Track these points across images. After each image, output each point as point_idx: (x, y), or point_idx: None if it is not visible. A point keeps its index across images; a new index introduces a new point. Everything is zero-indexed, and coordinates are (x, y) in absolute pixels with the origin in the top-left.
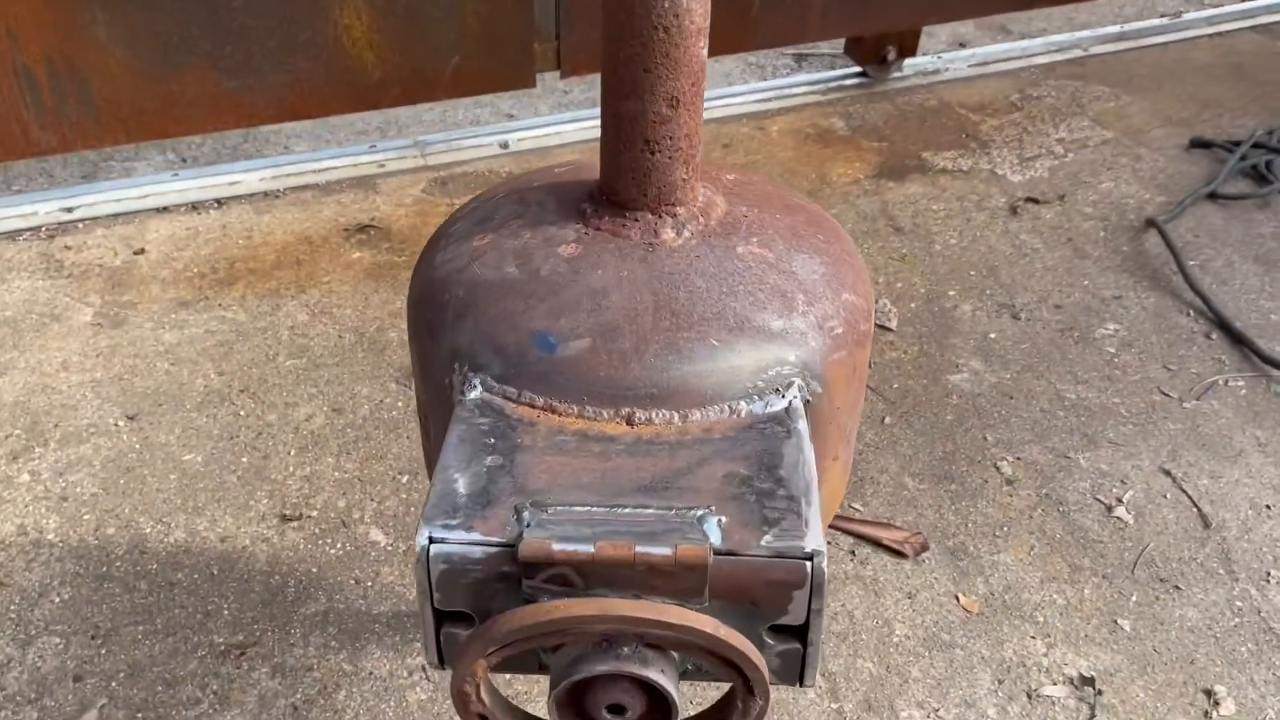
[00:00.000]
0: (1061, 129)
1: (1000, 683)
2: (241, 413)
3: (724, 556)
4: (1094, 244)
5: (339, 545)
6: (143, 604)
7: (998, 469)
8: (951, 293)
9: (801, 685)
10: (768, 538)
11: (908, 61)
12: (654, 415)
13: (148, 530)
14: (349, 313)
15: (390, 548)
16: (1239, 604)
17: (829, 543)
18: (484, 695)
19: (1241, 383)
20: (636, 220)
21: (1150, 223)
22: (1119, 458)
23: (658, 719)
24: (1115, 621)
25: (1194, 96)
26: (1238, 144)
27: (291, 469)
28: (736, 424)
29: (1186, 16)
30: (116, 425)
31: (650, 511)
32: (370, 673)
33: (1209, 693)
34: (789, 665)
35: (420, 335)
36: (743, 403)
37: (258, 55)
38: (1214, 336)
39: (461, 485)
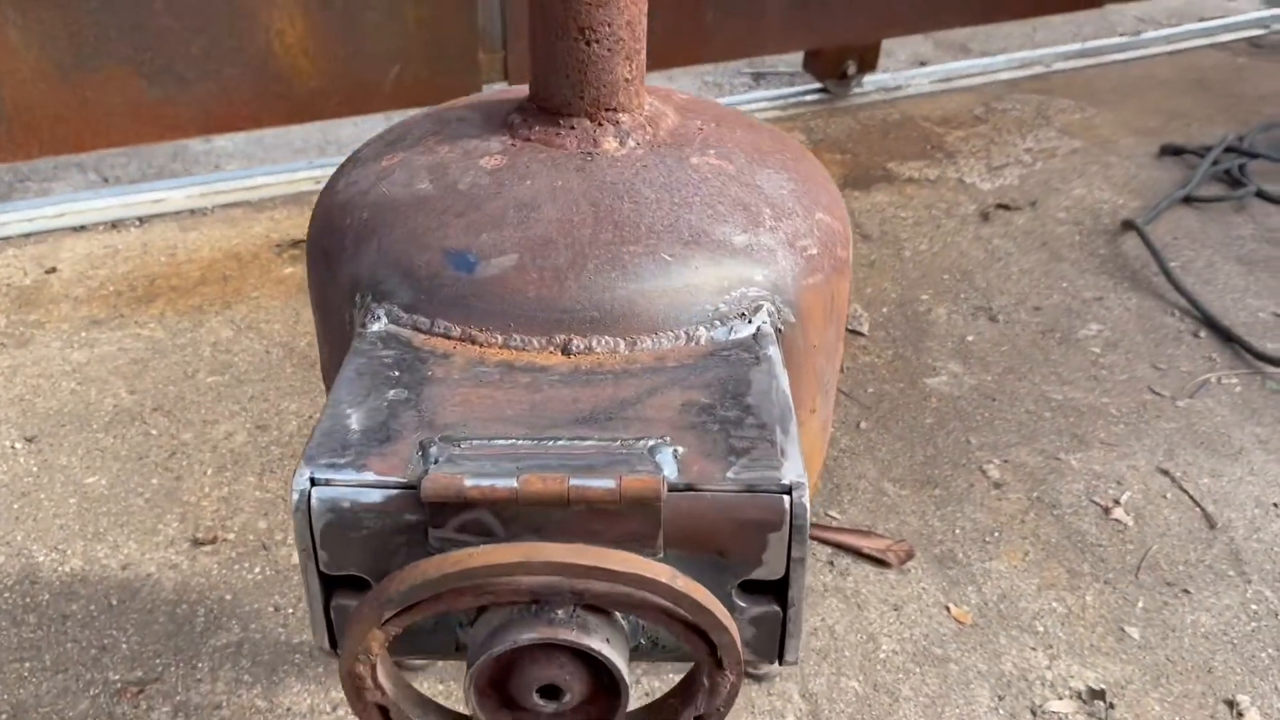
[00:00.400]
0: (1029, 139)
1: (1000, 699)
2: (154, 432)
3: (682, 492)
4: (1070, 247)
5: (258, 569)
6: (30, 639)
7: (984, 472)
8: (924, 297)
9: (781, 662)
10: (735, 469)
11: (868, 78)
12: (595, 343)
13: (41, 559)
14: (278, 328)
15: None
16: (1254, 607)
17: None
18: (382, 679)
19: (1235, 380)
20: (572, 128)
21: (1128, 224)
22: (1113, 458)
23: (603, 704)
24: (1122, 629)
25: (1160, 108)
26: (1208, 149)
27: (207, 490)
28: (694, 352)
29: (1145, 35)
30: (13, 448)
31: (589, 443)
32: (288, 709)
33: (1231, 703)
34: (766, 634)
35: (317, 271)
36: (702, 329)
37: (181, 61)
38: (1202, 335)
39: (355, 421)
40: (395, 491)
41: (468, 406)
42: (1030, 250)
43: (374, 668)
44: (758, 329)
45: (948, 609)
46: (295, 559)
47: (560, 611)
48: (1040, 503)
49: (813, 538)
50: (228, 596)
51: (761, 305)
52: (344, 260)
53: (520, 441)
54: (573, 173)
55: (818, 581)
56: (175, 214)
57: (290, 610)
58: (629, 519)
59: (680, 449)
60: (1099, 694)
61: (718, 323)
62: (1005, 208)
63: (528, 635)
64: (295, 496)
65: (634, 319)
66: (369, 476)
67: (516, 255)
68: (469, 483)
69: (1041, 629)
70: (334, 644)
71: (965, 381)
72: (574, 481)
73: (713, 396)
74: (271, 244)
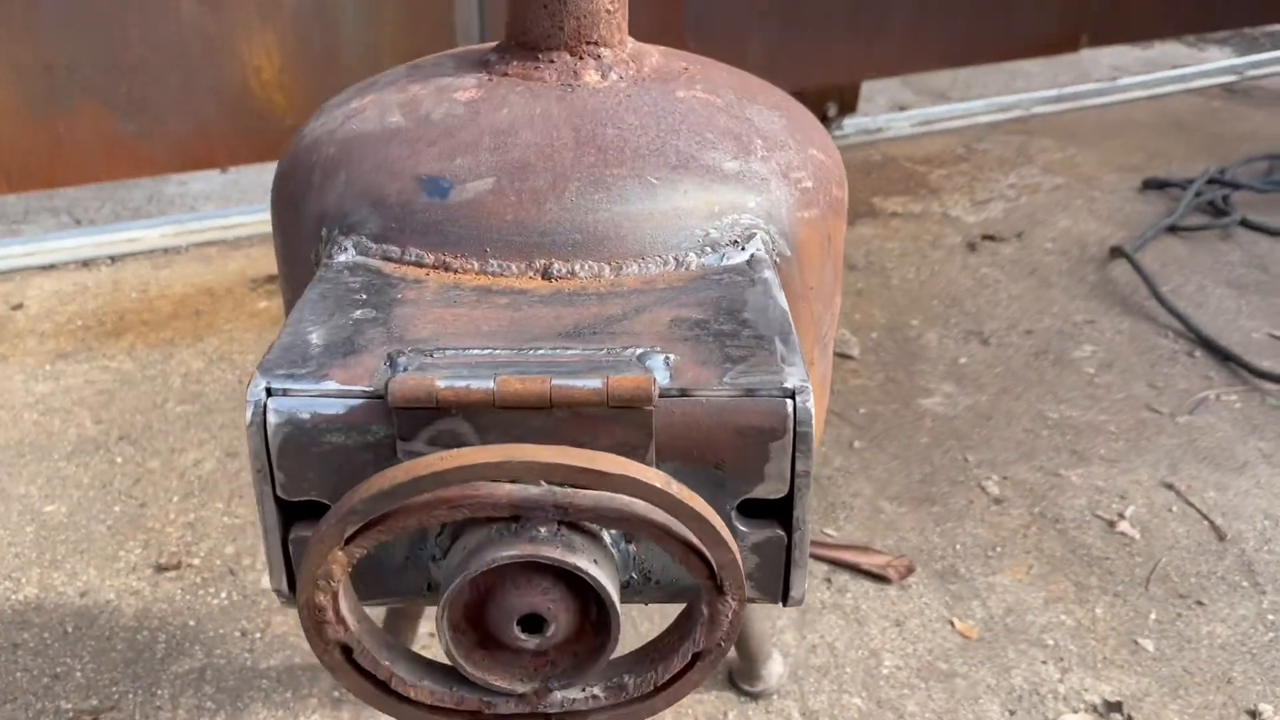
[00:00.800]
0: (1011, 176)
1: (1012, 713)
2: (118, 460)
3: (675, 398)
4: (1058, 275)
5: (223, 595)
6: None
7: (983, 489)
8: (914, 322)
9: (785, 600)
10: (732, 374)
11: (849, 120)
12: (577, 267)
13: None
14: (251, 359)
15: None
16: (1271, 617)
17: None
18: (344, 611)
19: (1234, 397)
20: (552, 62)
21: (1116, 251)
22: (1114, 473)
23: (591, 641)
24: (1135, 642)
25: (1140, 147)
26: (1191, 182)
27: (172, 516)
28: (684, 277)
29: (1122, 81)
30: None
31: (573, 353)
32: None
33: (1253, 713)
34: (769, 564)
35: (282, 216)
36: (691, 254)
37: (157, 97)
38: (1197, 355)
39: (316, 337)
40: (360, 401)
41: (441, 324)
42: (1019, 278)
43: (335, 598)
44: (751, 256)
45: (952, 623)
46: (264, 582)
47: (543, 529)
48: (1042, 518)
49: (810, 555)
50: (191, 622)
51: (755, 233)
52: (310, 198)
53: (498, 351)
54: (553, 101)
55: (815, 599)
56: (148, 253)
57: (258, 635)
58: (618, 426)
59: (672, 356)
60: (1115, 706)
61: (708, 249)
62: (991, 239)
63: (506, 553)
64: (250, 409)
65: (619, 242)
66: (331, 386)
67: (493, 179)
68: (441, 384)
69: (1051, 642)
70: (293, 586)
71: (960, 402)
72: (557, 381)
73: (705, 313)
74: (246, 279)
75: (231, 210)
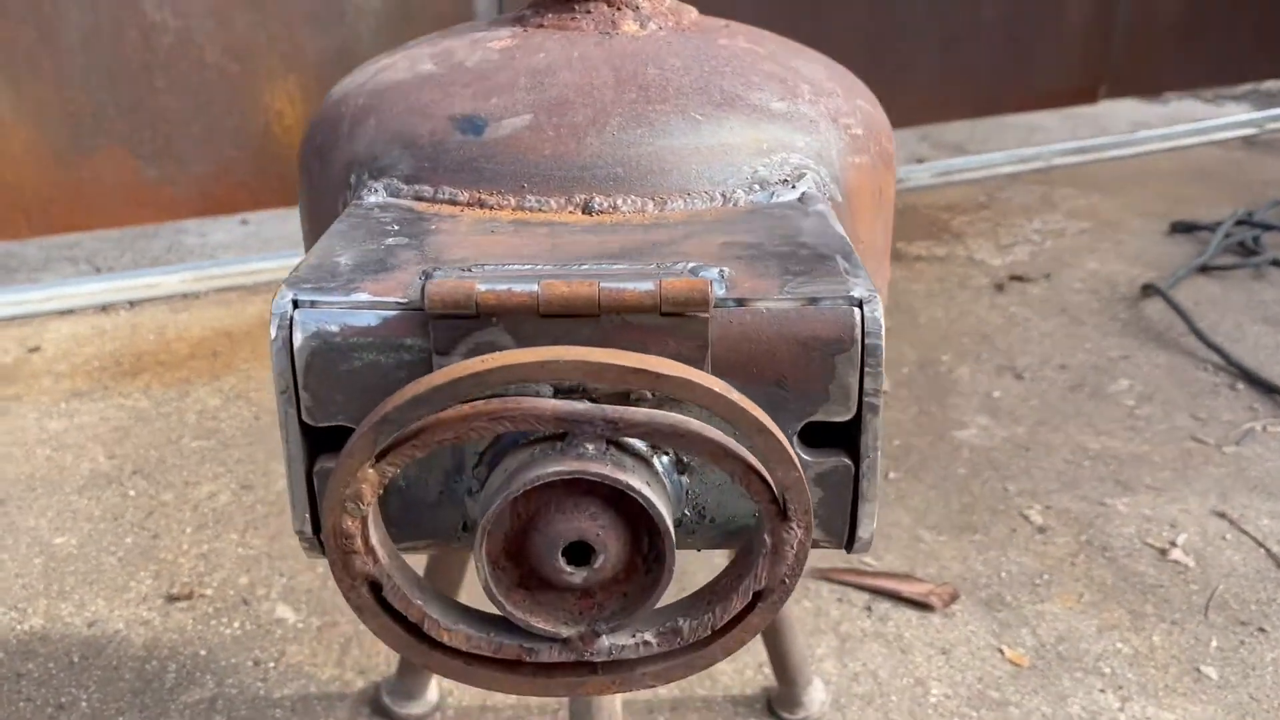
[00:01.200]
0: (1035, 221)
1: None
2: (131, 493)
3: (732, 308)
4: (1089, 313)
5: (236, 624)
6: None
7: (1026, 518)
8: (945, 358)
9: (852, 542)
10: (793, 284)
11: None
12: (619, 202)
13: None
14: (267, 396)
15: (301, 624)
16: None
17: (839, 599)
18: (374, 541)
19: None
20: (589, 12)
21: (1149, 288)
22: (1162, 502)
23: (642, 576)
24: (1198, 669)
25: (1164, 195)
26: (1219, 224)
27: (185, 547)
28: (733, 212)
29: (1142, 133)
30: None
31: (620, 267)
32: None
33: None
34: (833, 498)
35: (309, 169)
36: (739, 191)
37: (180, 142)
38: (1240, 387)
39: (346, 258)
40: (394, 313)
41: (479, 248)
42: (1049, 316)
43: (365, 525)
44: (803, 194)
45: (1001, 651)
46: (279, 612)
47: (590, 447)
48: (1090, 546)
49: (848, 583)
50: (202, 652)
51: (805, 173)
52: (338, 146)
53: (541, 267)
54: (591, 46)
55: (855, 627)
56: (167, 298)
57: (271, 665)
58: (671, 338)
59: (727, 270)
60: None
61: (757, 186)
62: (1019, 279)
63: (552, 469)
64: (274, 324)
65: (662, 176)
66: (362, 297)
67: (530, 115)
68: (482, 287)
69: (1108, 670)
70: (317, 526)
71: (996, 434)
72: (606, 285)
73: (759, 237)
74: (266, 322)
75: (251, 257)
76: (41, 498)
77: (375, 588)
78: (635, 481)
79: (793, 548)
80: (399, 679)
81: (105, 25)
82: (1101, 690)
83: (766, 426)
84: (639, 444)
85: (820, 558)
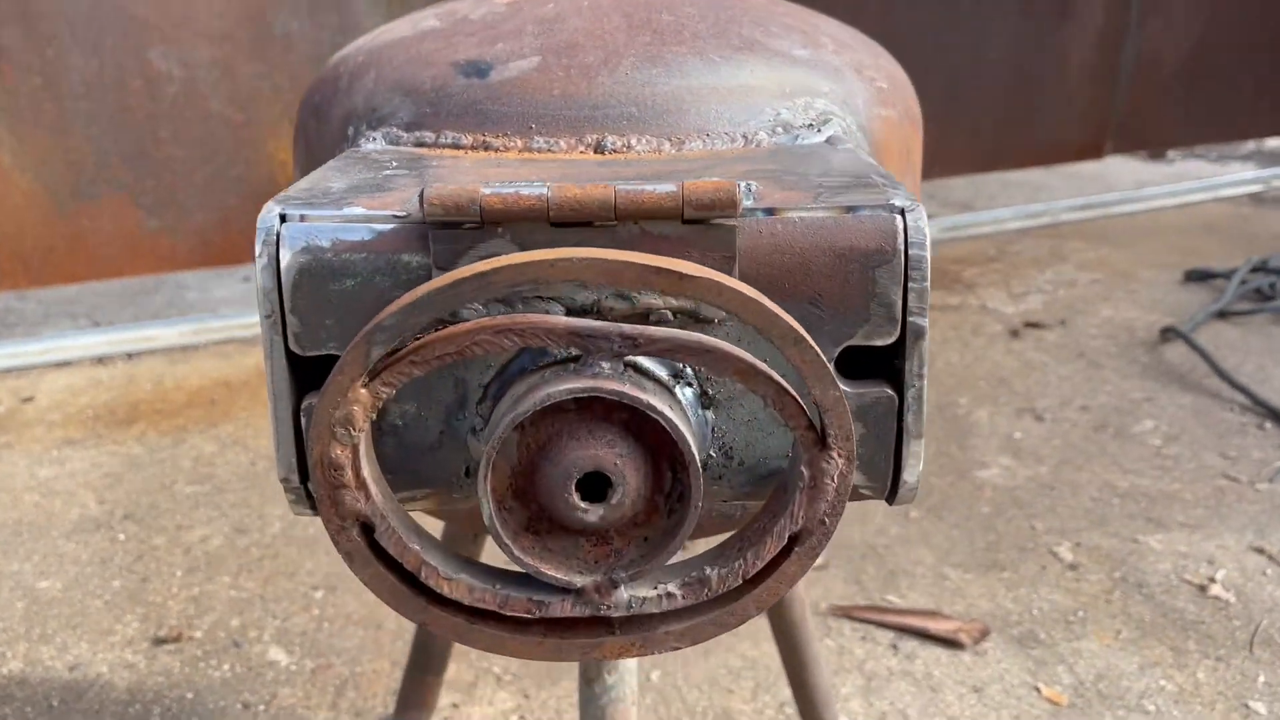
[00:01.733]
0: (1047, 272)
1: None
2: (121, 537)
3: (762, 218)
4: (1108, 357)
5: (226, 667)
6: None
7: (1055, 555)
8: (963, 401)
9: (895, 490)
10: (827, 195)
11: None
12: (634, 141)
13: None
14: (265, 443)
15: (294, 666)
16: None
17: (862, 638)
18: (366, 474)
19: None
20: None
21: (1168, 332)
22: (1198, 539)
23: (663, 519)
24: (1247, 705)
25: (1175, 247)
26: (1234, 272)
27: (175, 590)
28: (756, 152)
29: (1149, 190)
30: None
31: (637, 178)
32: None
33: None
34: (876, 437)
35: (305, 131)
36: (762, 134)
37: (184, 191)
38: (1268, 427)
39: (340, 183)
40: (390, 226)
41: (481, 174)
42: (1066, 360)
43: (356, 454)
44: (830, 138)
45: (1037, 689)
46: (271, 655)
47: (607, 366)
48: (1125, 582)
49: (871, 621)
50: (189, 695)
51: (831, 119)
52: (336, 102)
53: (549, 183)
54: None
55: (881, 665)
56: (165, 350)
57: (262, 708)
58: (694, 249)
59: (754, 184)
60: None
61: (780, 129)
62: (1034, 326)
63: (565, 386)
64: (259, 239)
65: (680, 116)
66: (357, 211)
67: (538, 58)
68: (486, 191)
69: (1153, 708)
70: (304, 474)
71: (1019, 473)
72: (623, 186)
73: (783, 165)
74: (264, 373)
75: (252, 311)
76: (27, 542)
77: (367, 530)
78: (658, 403)
79: (833, 480)
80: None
81: (109, 73)
82: None
83: (804, 338)
84: (660, 371)
85: (841, 595)
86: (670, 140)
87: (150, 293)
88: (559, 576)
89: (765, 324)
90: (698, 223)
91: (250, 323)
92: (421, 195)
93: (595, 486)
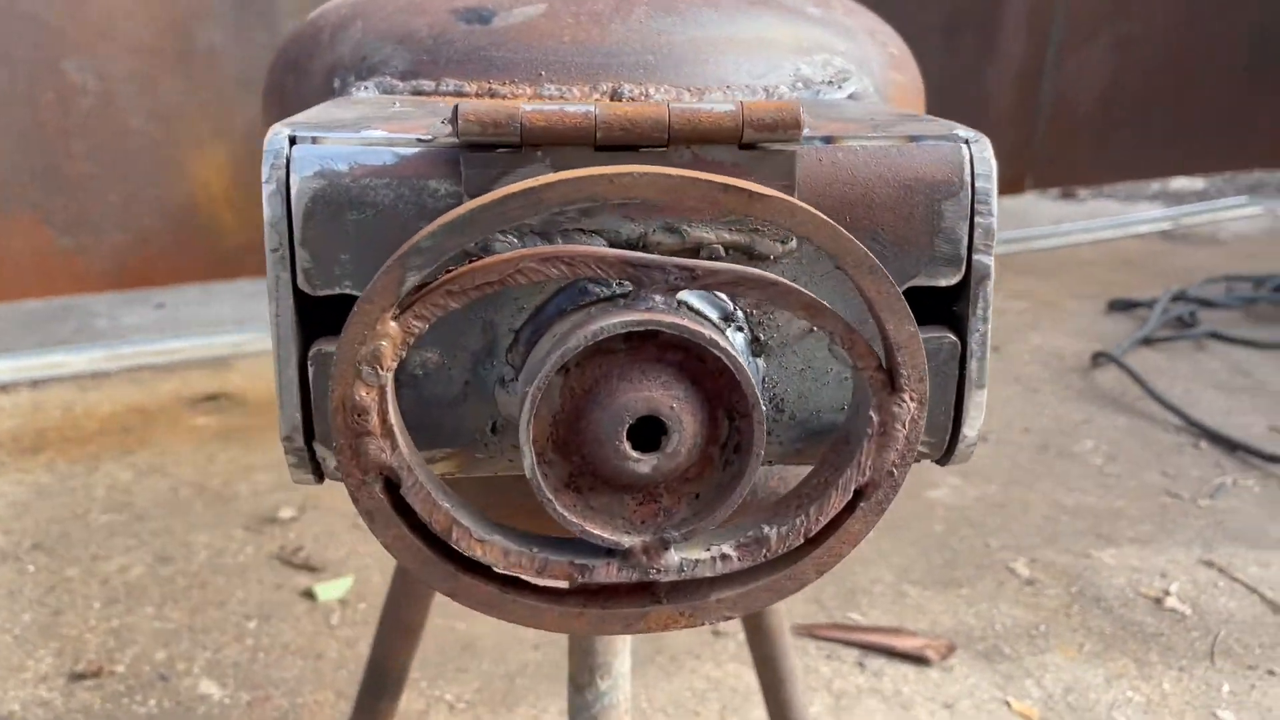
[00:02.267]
0: None
1: None
2: (30, 568)
3: (821, 145)
4: (1043, 381)
5: (153, 702)
6: None
7: (1012, 571)
8: None
9: (953, 446)
10: (885, 126)
11: None
12: (652, 90)
13: None
14: (187, 470)
15: (228, 700)
16: None
17: (827, 656)
18: (393, 420)
19: (1251, 482)
20: None
21: (1100, 356)
22: (1148, 554)
23: (717, 473)
24: (1215, 714)
25: (1095, 279)
26: (1156, 301)
27: (93, 622)
28: None
29: (1065, 225)
30: None
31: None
32: None
33: None
34: (935, 387)
35: (281, 90)
36: (783, 88)
37: (97, 210)
38: (1202, 445)
39: (347, 114)
40: (416, 150)
41: None
42: (1004, 384)
43: (383, 396)
44: (852, 93)
45: (1008, 704)
46: (202, 688)
47: (660, 299)
48: (1083, 596)
49: (836, 639)
50: None
51: (850, 77)
52: (318, 56)
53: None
54: None
55: (849, 684)
56: (75, 377)
57: None
58: (752, 177)
59: (807, 117)
60: None
61: (800, 85)
62: None
63: (621, 318)
64: (267, 164)
65: (699, 66)
66: (377, 134)
67: (544, 4)
68: (528, 108)
69: (1123, 719)
70: (309, 429)
71: (968, 493)
72: (677, 105)
73: (817, 113)
74: (183, 400)
75: (166, 336)
76: None
77: (390, 486)
78: (719, 338)
79: (904, 426)
80: None
81: (20, 86)
82: None
83: (879, 266)
84: (711, 312)
85: (802, 614)
86: (690, 91)
87: (58, 319)
88: (606, 536)
89: (839, 249)
90: (753, 149)
91: (164, 349)
92: (456, 112)
93: (646, 435)
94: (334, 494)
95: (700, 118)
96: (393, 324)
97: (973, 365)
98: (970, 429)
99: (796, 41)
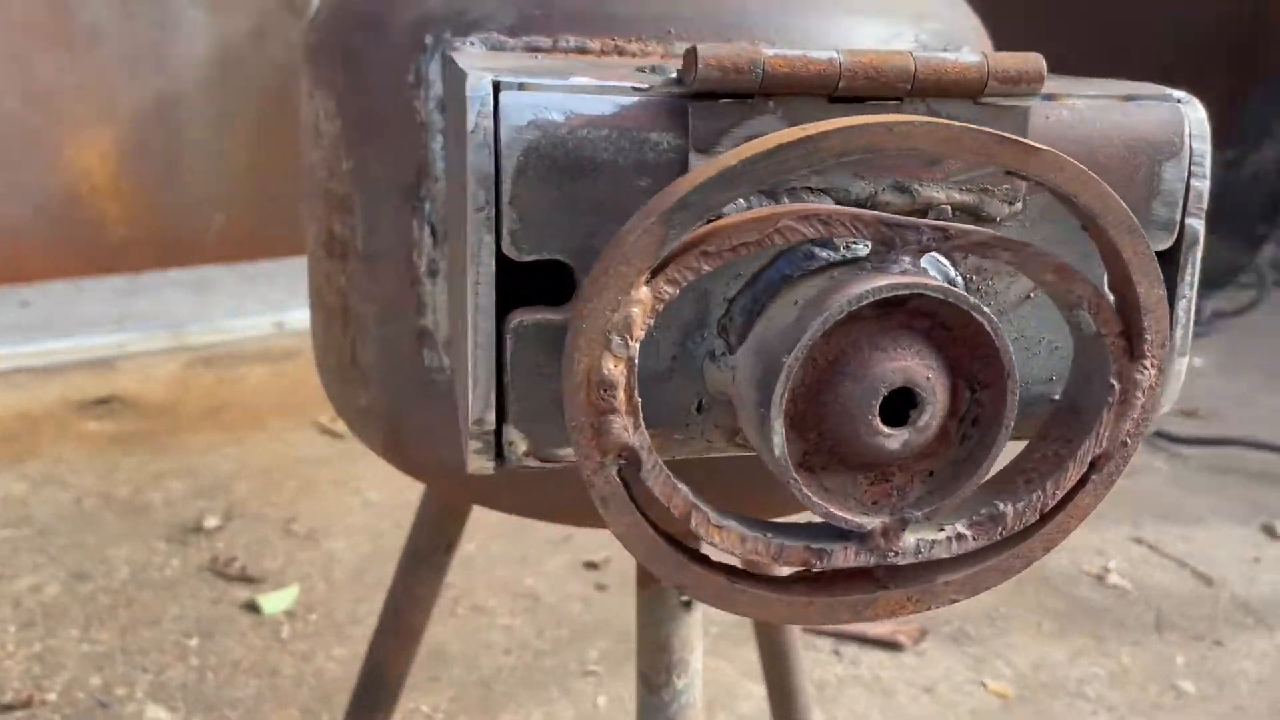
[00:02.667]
0: None
1: None
2: None
3: (1044, 102)
4: None
5: None
6: None
7: None
8: None
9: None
10: (1095, 86)
11: None
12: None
13: None
14: (89, 480)
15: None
16: None
17: (802, 646)
18: (636, 390)
19: (1159, 464)
20: None
21: None
22: (1082, 532)
23: (953, 448)
24: (1175, 685)
25: None
26: None
27: (11, 648)
28: None
29: None
30: None
31: None
32: None
33: None
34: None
35: (346, 51)
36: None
37: None
38: None
39: (524, 64)
40: (635, 99)
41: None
42: None
43: (631, 369)
44: None
45: (983, 685)
46: (149, 714)
47: (908, 260)
48: (1032, 576)
49: (810, 630)
50: None
51: (964, 45)
52: (399, 11)
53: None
54: None
55: (829, 673)
56: None
57: None
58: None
59: None
60: None
61: (923, 51)
62: None
63: (881, 282)
64: (471, 112)
65: (830, 28)
66: (586, 81)
67: None
68: (770, 52)
69: (1092, 693)
70: (501, 412)
71: None
72: (922, 55)
73: None
74: (70, 404)
75: (43, 338)
76: None
77: (624, 475)
78: (984, 307)
79: (1143, 395)
80: None
81: None
82: (1093, 713)
83: (1138, 226)
84: (935, 277)
85: None
86: (837, 51)
87: None
88: (850, 518)
89: (1104, 208)
90: (987, 104)
91: (42, 349)
92: (693, 54)
93: (892, 409)
94: (261, 500)
95: (947, 68)
96: (645, 289)
97: (1176, 333)
98: (1168, 399)
99: (914, 7)
